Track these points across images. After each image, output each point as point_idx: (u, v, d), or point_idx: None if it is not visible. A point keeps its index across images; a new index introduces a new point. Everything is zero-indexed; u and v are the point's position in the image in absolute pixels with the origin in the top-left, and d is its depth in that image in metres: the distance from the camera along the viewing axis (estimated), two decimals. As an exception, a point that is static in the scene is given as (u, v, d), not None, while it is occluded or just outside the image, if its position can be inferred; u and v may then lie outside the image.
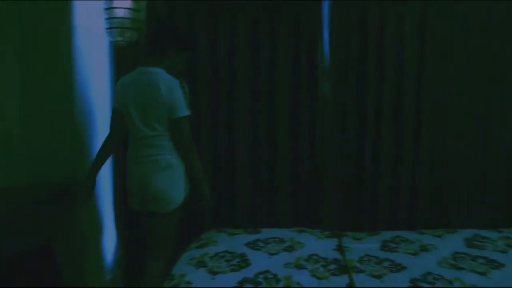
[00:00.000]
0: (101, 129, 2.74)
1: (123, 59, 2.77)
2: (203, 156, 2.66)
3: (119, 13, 2.43)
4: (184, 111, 2.15)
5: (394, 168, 2.95)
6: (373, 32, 2.88)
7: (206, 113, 2.92)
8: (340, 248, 2.19)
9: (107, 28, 2.49)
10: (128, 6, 2.45)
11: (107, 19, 2.48)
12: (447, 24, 2.88)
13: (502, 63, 2.89)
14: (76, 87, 2.54)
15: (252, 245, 2.17)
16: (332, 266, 1.96)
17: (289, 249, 2.14)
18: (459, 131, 2.93)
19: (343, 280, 1.82)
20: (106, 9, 2.46)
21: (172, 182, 2.19)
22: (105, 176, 2.77)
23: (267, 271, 1.86)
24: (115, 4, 2.43)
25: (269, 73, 2.90)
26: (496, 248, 2.16)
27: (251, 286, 1.73)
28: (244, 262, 1.96)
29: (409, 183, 2.96)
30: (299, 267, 1.93)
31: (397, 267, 1.95)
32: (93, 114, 2.68)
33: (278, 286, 1.73)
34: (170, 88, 2.13)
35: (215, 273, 1.84)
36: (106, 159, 2.36)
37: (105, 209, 2.80)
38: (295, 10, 2.86)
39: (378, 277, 1.86)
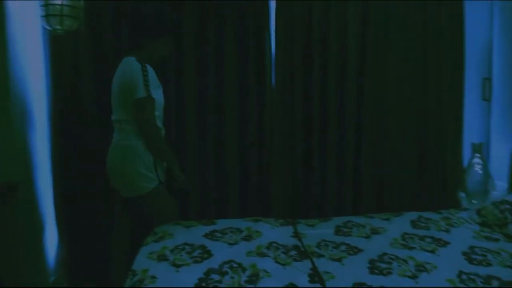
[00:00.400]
0: (39, 126, 2.57)
1: (61, 50, 2.61)
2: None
3: (56, -2, 2.26)
4: (140, 92, 2.11)
5: (339, 158, 3.05)
6: (318, 31, 2.95)
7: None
8: (297, 235, 2.23)
9: (42, 16, 2.30)
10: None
11: (42, 5, 2.29)
12: (385, 22, 3.01)
13: (436, 59, 3.08)
14: (11, 81, 2.34)
15: (210, 236, 2.13)
16: (293, 252, 1.98)
17: (248, 238, 2.13)
18: (398, 125, 3.08)
19: (306, 264, 1.85)
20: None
21: (128, 166, 2.19)
22: (45, 174, 2.60)
23: (231, 261, 1.84)
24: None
25: (217, 69, 2.88)
26: (440, 228, 2.30)
27: (217, 276, 1.71)
28: (206, 253, 1.92)
29: (353, 172, 3.07)
30: (261, 255, 1.93)
31: (354, 250, 2.02)
32: (30, 110, 2.49)
33: (244, 274, 1.72)
34: (129, 72, 2.13)
35: (178, 266, 1.79)
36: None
37: (46, 208, 2.63)
38: (242, 7, 2.86)
39: (338, 260, 1.91)
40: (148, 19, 2.26)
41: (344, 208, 3.02)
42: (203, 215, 2.84)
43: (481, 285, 1.64)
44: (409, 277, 1.72)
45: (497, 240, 2.12)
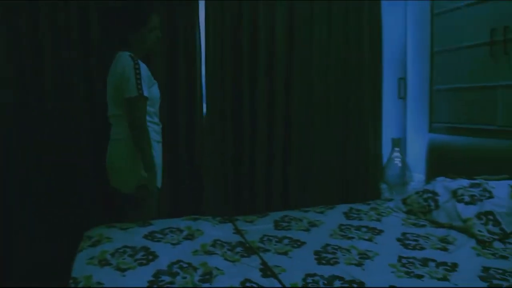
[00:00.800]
0: None
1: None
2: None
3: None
4: (132, 91, 2.12)
5: (268, 160, 3.09)
6: (247, 32, 2.96)
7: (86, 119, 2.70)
8: (238, 232, 2.21)
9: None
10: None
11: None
12: (310, 22, 3.11)
13: (356, 61, 3.25)
14: None
15: (151, 237, 2.03)
16: (239, 249, 1.96)
17: (190, 237, 2.07)
18: (324, 123, 3.20)
19: (255, 260, 1.84)
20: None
21: (124, 161, 2.24)
22: None
23: (179, 261, 1.77)
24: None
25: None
26: (371, 217, 2.43)
27: (168, 277, 1.63)
28: (150, 255, 1.83)
29: (281, 168, 3.12)
30: (209, 253, 1.89)
31: (297, 243, 2.05)
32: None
33: (197, 273, 1.67)
34: (122, 69, 2.15)
35: (123, 270, 1.68)
36: None
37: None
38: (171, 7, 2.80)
39: (285, 253, 1.93)
40: (126, 13, 2.30)
41: (274, 203, 3.06)
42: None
43: (420, 267, 1.74)
44: (355, 264, 1.79)
45: (424, 226, 2.29)
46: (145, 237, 2.04)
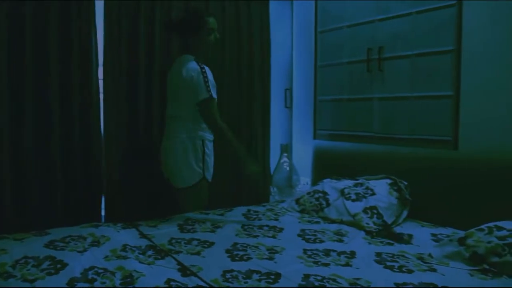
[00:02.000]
0: None
1: None
2: None
3: None
4: (204, 94, 2.42)
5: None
6: (144, 31, 2.94)
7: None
8: (144, 236, 2.18)
9: None
10: None
11: None
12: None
13: (248, 71, 3.41)
14: None
15: (52, 246, 1.91)
16: (150, 252, 1.94)
17: (96, 244, 1.99)
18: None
19: (170, 261, 1.84)
20: None
21: (179, 160, 2.54)
22: None
23: (93, 267, 1.69)
24: None
25: (38, 68, 2.62)
26: (269, 217, 2.58)
27: (85, 284, 1.56)
28: (57, 263, 1.71)
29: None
30: (122, 257, 1.83)
31: (207, 243, 2.09)
32: None
33: (116, 277, 1.62)
34: (190, 73, 2.43)
35: (32, 281, 1.56)
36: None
37: None
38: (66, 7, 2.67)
39: (197, 253, 1.95)
40: (185, 20, 2.58)
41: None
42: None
43: (324, 257, 1.92)
44: (267, 259, 1.90)
45: (318, 222, 2.51)
46: (46, 246, 1.91)
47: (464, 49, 2.43)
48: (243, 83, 3.40)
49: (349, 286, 1.59)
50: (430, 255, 1.89)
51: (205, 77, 2.40)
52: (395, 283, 1.61)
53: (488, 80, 2.35)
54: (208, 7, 3.15)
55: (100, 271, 1.67)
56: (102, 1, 2.80)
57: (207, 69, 2.46)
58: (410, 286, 1.59)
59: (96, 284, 1.57)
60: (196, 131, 2.54)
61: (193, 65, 2.44)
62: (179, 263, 1.82)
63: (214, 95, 2.46)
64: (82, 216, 2.71)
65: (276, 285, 1.62)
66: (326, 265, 1.82)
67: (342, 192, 2.63)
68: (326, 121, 3.34)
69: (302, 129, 3.57)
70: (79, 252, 1.88)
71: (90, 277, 1.61)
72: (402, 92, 2.77)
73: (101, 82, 2.86)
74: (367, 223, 2.34)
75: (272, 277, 1.69)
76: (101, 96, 2.87)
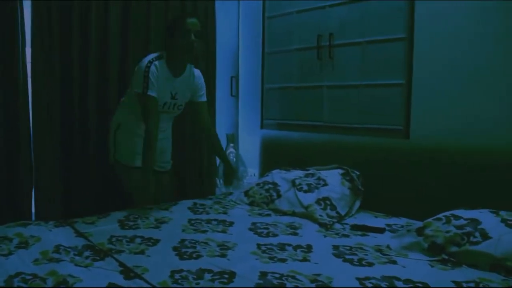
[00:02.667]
0: None
1: None
2: None
3: None
4: (137, 88, 2.39)
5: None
6: (77, 32, 2.69)
7: None
8: (81, 235, 1.96)
9: None
10: None
11: None
12: (146, 22, 2.96)
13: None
14: None
15: (-31, 250, 1.65)
16: (88, 253, 1.73)
17: (24, 245, 1.75)
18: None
19: (111, 262, 1.65)
20: None
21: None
22: None
23: (19, 274, 1.47)
24: None
25: None
26: (218, 211, 2.44)
27: (11, 294, 1.34)
28: (-24, 270, 1.47)
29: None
30: (54, 260, 1.62)
31: (151, 241, 1.92)
32: None
33: (47, 284, 1.40)
34: (137, 66, 2.44)
35: None
36: None
37: None
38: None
39: (141, 252, 1.78)
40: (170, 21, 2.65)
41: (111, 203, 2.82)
42: None
43: (280, 251, 1.81)
44: (219, 256, 1.75)
45: (269, 215, 2.39)
46: (-39, 250, 1.64)
47: (416, 36, 2.40)
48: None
49: (310, 284, 1.48)
50: (388, 246, 1.84)
51: (146, 74, 2.36)
52: (356, 278, 1.53)
53: (441, 69, 2.33)
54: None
55: (28, 277, 1.45)
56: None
57: (155, 66, 2.39)
58: (373, 280, 1.51)
59: (23, 293, 1.35)
60: (117, 116, 2.59)
61: (145, 60, 2.42)
62: (121, 264, 1.63)
63: (151, 93, 2.38)
64: (7, 215, 2.41)
65: (231, 285, 1.48)
66: (283, 260, 1.71)
67: (293, 183, 2.53)
68: (274, 110, 3.23)
69: (248, 118, 3.44)
70: (3, 256, 1.64)
71: (16, 285, 1.39)
72: (353, 80, 2.71)
73: (29, 66, 2.56)
74: (320, 215, 2.25)
75: (226, 276, 1.55)
76: (29, 80, 2.57)
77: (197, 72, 2.63)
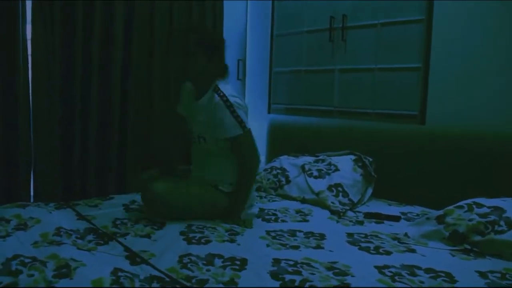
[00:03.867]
0: None
1: None
2: None
3: None
4: None
5: (103, 144, 2.74)
6: (80, 31, 2.57)
7: None
8: (83, 217, 1.87)
9: None
10: None
11: None
12: (150, 21, 2.85)
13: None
14: None
15: (-35, 231, 1.56)
16: (91, 236, 1.65)
17: (23, 227, 1.67)
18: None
19: (116, 246, 1.56)
20: None
21: None
22: None
23: (17, 256, 1.38)
24: None
25: None
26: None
27: (7, 278, 1.25)
28: (-28, 252, 1.39)
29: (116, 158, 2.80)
30: (56, 243, 1.53)
31: (157, 225, 1.83)
32: None
33: (48, 268, 1.32)
34: None
35: None
36: None
37: None
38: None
39: (147, 236, 1.70)
40: None
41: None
42: None
43: (290, 238, 1.72)
44: (228, 241, 1.67)
45: (276, 201, 2.31)
46: (-44, 231, 1.56)
47: (435, 18, 2.29)
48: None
49: (327, 272, 1.39)
50: (406, 234, 1.75)
51: (232, 109, 1.92)
52: (375, 266, 1.45)
53: (460, 52, 2.23)
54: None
55: (27, 260, 1.36)
56: None
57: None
58: (393, 269, 1.42)
59: (22, 277, 1.26)
60: None
61: (216, 96, 1.95)
62: (126, 248, 1.55)
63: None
64: (6, 197, 2.33)
65: (244, 272, 1.39)
66: (296, 247, 1.62)
67: (303, 169, 2.44)
68: (282, 94, 3.13)
69: (255, 103, 3.33)
70: (1, 237, 1.55)
71: (14, 268, 1.30)
72: (367, 64, 2.60)
73: (29, 43, 2.45)
74: (332, 202, 2.16)
75: (238, 262, 1.46)
76: (29, 59, 2.46)
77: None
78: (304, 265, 1.44)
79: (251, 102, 3.38)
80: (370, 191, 2.35)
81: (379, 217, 2.01)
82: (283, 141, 3.01)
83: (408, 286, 1.29)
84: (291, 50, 3.04)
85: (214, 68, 1.98)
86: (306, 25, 2.92)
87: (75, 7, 2.53)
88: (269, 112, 3.21)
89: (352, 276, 1.37)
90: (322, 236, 1.76)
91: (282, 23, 3.10)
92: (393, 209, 2.17)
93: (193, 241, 1.66)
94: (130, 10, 2.74)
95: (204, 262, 1.46)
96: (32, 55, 2.43)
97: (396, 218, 1.99)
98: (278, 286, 1.28)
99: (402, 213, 2.09)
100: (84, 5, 2.55)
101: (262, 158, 3.15)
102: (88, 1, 2.57)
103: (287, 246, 1.64)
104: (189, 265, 1.42)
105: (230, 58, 3.30)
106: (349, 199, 2.20)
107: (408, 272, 1.40)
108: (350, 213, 2.12)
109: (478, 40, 2.18)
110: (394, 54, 2.48)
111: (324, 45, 2.81)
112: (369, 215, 2.04)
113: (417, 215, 2.04)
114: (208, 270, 1.39)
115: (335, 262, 1.47)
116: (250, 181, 2.01)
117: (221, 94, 1.93)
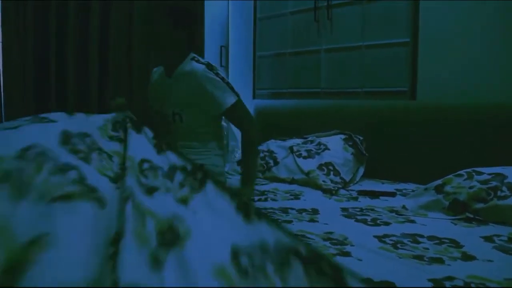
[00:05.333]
0: None
1: None
2: None
3: None
4: None
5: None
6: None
7: None
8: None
9: None
10: None
11: None
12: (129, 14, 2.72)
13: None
14: None
15: None
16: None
17: None
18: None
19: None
20: None
21: None
22: None
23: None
24: None
25: None
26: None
27: None
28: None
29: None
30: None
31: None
32: None
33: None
34: None
35: None
36: None
37: None
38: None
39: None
40: None
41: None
42: None
43: (283, 214, 1.62)
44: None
45: (265, 184, 2.21)
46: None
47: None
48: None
49: (324, 242, 1.29)
50: (404, 207, 1.66)
51: (221, 77, 1.87)
52: (374, 236, 1.35)
53: (449, 25, 2.17)
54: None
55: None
56: None
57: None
58: (394, 238, 1.33)
59: None
60: None
61: (198, 66, 1.82)
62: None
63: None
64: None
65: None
66: (289, 222, 1.52)
67: (291, 150, 2.34)
68: (267, 78, 3.03)
69: (239, 89, 3.18)
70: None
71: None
72: (353, 42, 2.53)
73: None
74: (323, 181, 2.07)
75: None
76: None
77: None
78: (299, 237, 1.33)
79: (236, 87, 3.27)
80: (362, 170, 2.26)
81: (373, 194, 1.92)
82: (270, 126, 2.90)
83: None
84: (275, 33, 2.95)
85: (183, 37, 1.78)
86: (290, 6, 2.84)
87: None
88: (254, 98, 3.11)
89: (352, 245, 1.27)
90: (315, 211, 1.66)
91: (265, 5, 3.01)
92: (387, 187, 2.09)
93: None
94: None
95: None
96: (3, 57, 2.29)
97: (391, 194, 1.90)
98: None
99: (397, 190, 2.00)
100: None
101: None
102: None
103: (280, 221, 1.54)
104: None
105: (213, 45, 3.20)
106: (341, 178, 2.11)
107: (411, 240, 1.31)
108: (342, 191, 2.02)
109: (467, 12, 2.12)
110: (382, 30, 2.41)
111: (309, 26, 2.72)
112: (363, 192, 1.95)
113: (412, 191, 1.96)
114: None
115: (331, 233, 1.37)
116: (257, 151, 1.87)
117: (203, 61, 1.79)
